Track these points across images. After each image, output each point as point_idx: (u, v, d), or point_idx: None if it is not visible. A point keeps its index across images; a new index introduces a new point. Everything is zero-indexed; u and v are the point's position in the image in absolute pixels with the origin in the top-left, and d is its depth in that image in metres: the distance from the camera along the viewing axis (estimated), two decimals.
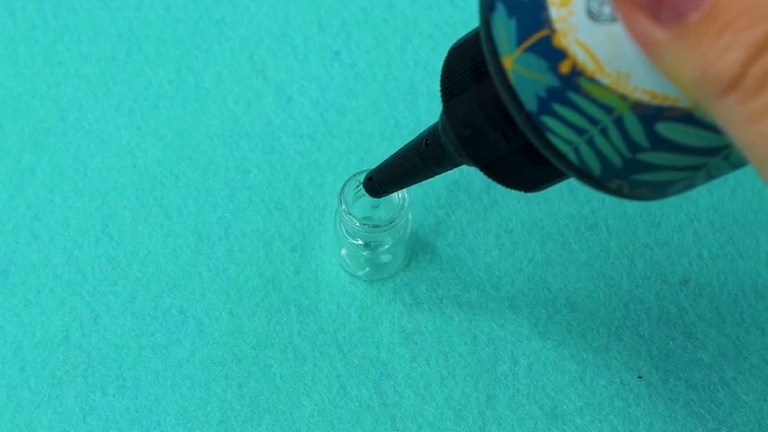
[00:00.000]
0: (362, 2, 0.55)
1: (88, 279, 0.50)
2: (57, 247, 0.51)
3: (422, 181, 0.42)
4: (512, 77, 0.32)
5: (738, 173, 0.52)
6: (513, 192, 0.52)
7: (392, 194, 0.46)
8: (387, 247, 0.48)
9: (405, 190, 0.46)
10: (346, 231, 0.48)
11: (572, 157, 0.33)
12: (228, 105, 0.53)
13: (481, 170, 0.37)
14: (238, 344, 0.49)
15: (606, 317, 0.50)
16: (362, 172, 0.47)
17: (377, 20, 0.55)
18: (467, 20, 0.55)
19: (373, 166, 0.47)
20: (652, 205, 0.52)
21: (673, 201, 0.52)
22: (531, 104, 0.32)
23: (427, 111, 0.53)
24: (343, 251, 0.49)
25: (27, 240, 0.51)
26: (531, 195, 0.52)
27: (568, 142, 0.32)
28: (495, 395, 0.48)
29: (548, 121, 0.32)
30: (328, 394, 0.48)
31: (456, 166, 0.40)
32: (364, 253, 0.48)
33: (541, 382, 0.49)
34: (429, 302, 0.50)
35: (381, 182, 0.43)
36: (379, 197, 0.44)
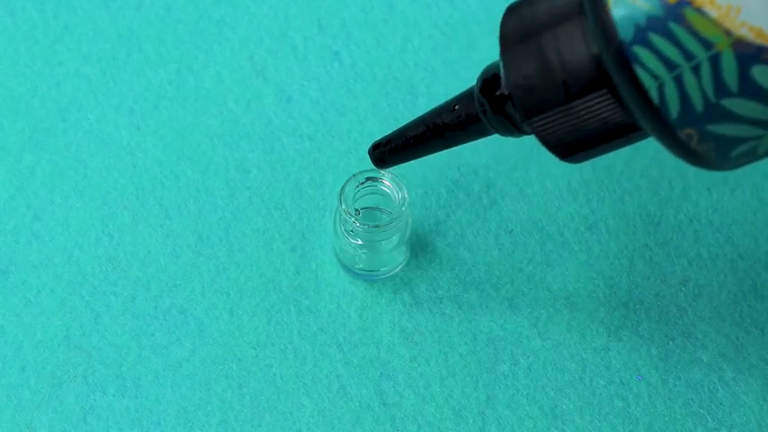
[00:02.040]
0: (362, 2, 0.55)
1: (88, 279, 0.50)
2: (57, 246, 0.51)
3: (431, 153, 0.41)
4: (610, 3, 0.32)
5: (737, 173, 0.52)
6: (512, 191, 0.52)
7: (392, 193, 0.46)
8: (387, 246, 0.48)
9: (405, 189, 0.46)
10: (346, 231, 0.48)
11: (653, 94, 0.32)
12: (228, 105, 0.53)
13: (528, 124, 0.36)
14: (238, 344, 0.49)
15: (606, 317, 0.50)
16: (362, 172, 0.47)
17: (377, 20, 0.55)
18: (466, 20, 0.55)
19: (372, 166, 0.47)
20: (651, 205, 0.52)
21: (672, 201, 0.52)
22: (625, 33, 0.31)
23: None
24: (343, 251, 0.49)
25: (27, 240, 0.51)
26: (530, 195, 0.52)
27: (655, 77, 0.32)
28: (495, 395, 0.48)
29: (639, 52, 0.31)
30: (328, 394, 0.48)
31: (482, 135, 0.39)
32: (364, 252, 0.48)
33: (541, 382, 0.49)
34: (429, 302, 0.50)
35: (390, 149, 0.42)
36: (383, 167, 0.44)
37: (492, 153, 0.52)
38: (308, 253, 0.51)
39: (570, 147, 0.36)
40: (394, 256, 0.49)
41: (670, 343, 0.49)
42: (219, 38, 0.55)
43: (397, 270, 0.50)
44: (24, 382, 0.48)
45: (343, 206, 0.46)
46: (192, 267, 0.50)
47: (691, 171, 0.52)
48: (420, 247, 0.51)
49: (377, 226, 0.46)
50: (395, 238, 0.48)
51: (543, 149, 0.52)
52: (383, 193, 0.47)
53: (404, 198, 0.46)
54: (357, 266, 0.50)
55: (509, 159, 0.52)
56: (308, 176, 0.52)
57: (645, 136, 0.35)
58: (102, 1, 0.55)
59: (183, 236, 0.51)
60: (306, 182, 0.52)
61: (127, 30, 0.55)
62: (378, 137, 0.52)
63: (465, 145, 0.41)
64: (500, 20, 0.37)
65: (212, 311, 0.50)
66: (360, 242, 0.48)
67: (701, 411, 0.48)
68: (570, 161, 0.37)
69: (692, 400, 0.48)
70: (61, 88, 0.54)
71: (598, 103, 0.34)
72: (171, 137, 0.53)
